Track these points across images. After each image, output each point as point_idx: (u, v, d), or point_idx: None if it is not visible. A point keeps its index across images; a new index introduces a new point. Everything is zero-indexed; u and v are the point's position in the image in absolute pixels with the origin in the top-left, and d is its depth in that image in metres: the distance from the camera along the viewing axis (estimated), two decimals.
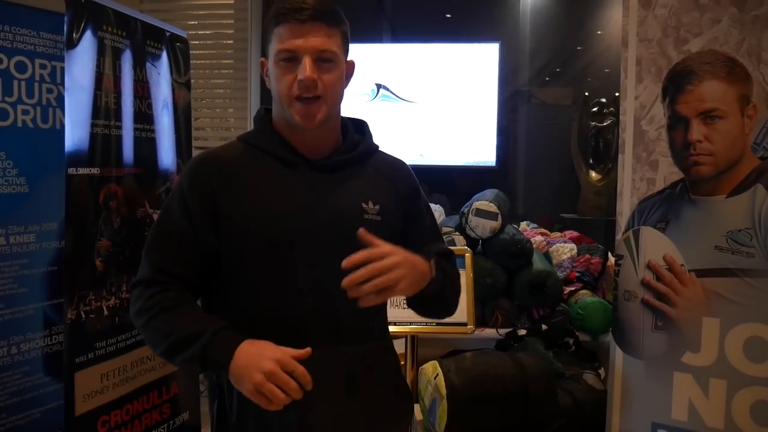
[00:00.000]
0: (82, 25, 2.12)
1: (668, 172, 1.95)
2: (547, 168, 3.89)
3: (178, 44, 2.68)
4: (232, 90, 3.92)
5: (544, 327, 2.72)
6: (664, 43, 1.93)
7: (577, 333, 2.74)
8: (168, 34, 2.61)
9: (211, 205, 1.30)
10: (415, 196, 1.49)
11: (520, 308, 2.78)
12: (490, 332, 2.72)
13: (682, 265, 1.91)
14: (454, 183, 3.86)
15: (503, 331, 2.70)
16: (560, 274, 2.91)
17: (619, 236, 2.05)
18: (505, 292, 2.77)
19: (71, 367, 2.15)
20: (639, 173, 1.99)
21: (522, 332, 2.70)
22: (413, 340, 2.21)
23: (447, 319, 2.19)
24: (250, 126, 3.88)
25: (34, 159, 2.29)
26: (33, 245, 2.33)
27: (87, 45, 2.13)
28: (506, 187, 3.87)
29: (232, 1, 3.81)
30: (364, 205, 1.35)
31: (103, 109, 2.23)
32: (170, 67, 2.61)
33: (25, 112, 2.28)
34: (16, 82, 2.24)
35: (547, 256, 3.01)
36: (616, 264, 2.06)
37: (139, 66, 2.42)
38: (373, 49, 3.81)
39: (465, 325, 2.18)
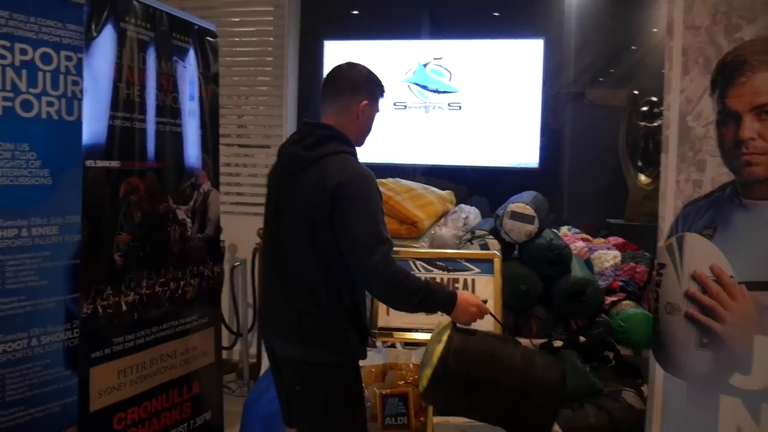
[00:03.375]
0: (104, 16, 2.09)
1: (717, 173, 1.77)
2: (593, 171, 3.69)
3: (207, 38, 2.64)
4: (271, 87, 3.90)
5: (582, 339, 2.56)
6: (713, 31, 1.75)
7: (618, 347, 2.56)
8: (196, 27, 2.57)
9: None
10: None
11: (557, 318, 2.62)
12: (524, 342, 2.57)
13: (731, 276, 1.73)
14: (494, 185, 3.70)
15: (538, 341, 2.55)
16: (602, 283, 2.73)
17: (661, 243, 1.89)
18: (541, 300, 2.62)
19: (86, 362, 2.12)
20: (684, 174, 1.82)
21: (558, 344, 2.55)
22: None
23: (473, 327, 2.08)
24: (286, 122, 3.87)
25: (58, 151, 2.28)
26: (55, 238, 2.32)
27: (108, 36, 2.10)
28: (549, 190, 3.69)
29: (272, 9, 3.79)
30: None
31: (125, 102, 2.20)
32: (198, 60, 2.57)
33: (50, 104, 2.27)
34: (41, 74, 2.23)
35: (588, 263, 2.84)
36: (658, 273, 1.90)
37: (164, 59, 2.38)
38: (412, 45, 3.71)
39: None
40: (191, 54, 2.54)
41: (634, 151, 3.44)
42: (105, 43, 2.09)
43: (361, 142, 2.07)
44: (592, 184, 3.71)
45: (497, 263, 2.13)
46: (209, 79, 2.64)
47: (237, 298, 3.73)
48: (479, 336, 1.91)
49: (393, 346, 2.63)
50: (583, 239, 3.00)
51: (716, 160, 1.77)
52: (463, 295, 1.88)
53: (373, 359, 2.54)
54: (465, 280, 2.12)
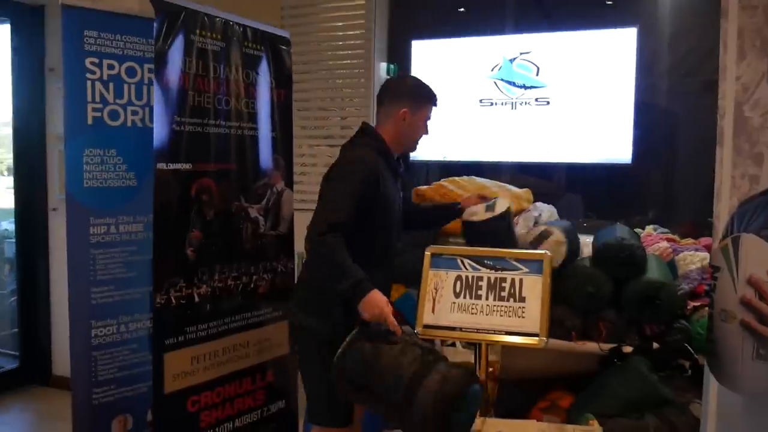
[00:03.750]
0: (175, 28, 2.27)
1: None
2: (694, 166, 3.40)
3: (280, 45, 2.78)
4: (363, 90, 3.99)
5: (655, 345, 2.39)
6: None
7: (697, 356, 2.36)
8: (269, 35, 2.72)
9: None
10: None
11: (629, 322, 2.47)
12: (592, 346, 2.46)
13: None
14: (584, 181, 3.54)
15: (606, 346, 2.42)
16: (686, 287, 2.53)
17: (715, 244, 1.73)
18: (611, 302, 2.48)
19: (160, 348, 2.33)
20: (740, 169, 1.66)
21: (627, 349, 2.40)
22: (481, 347, 2.07)
23: (517, 329, 2.03)
24: (373, 123, 3.93)
25: (142, 155, 2.52)
26: (141, 234, 2.57)
27: (178, 48, 2.29)
28: (642, 186, 3.48)
29: (363, 12, 3.87)
30: None
31: (197, 109, 2.38)
32: (270, 67, 2.71)
33: (134, 113, 2.52)
34: (126, 86, 2.48)
35: (671, 264, 2.64)
36: (712, 277, 1.74)
37: (236, 67, 2.54)
38: (498, 41, 3.64)
39: (536, 336, 1.98)
40: (264, 61, 2.69)
41: None
42: (175, 55, 2.28)
43: (403, 146, 2.30)
44: (694, 181, 3.43)
45: (546, 263, 2.05)
46: (281, 83, 2.77)
47: None
48: (378, 347, 1.94)
49: (453, 344, 2.62)
50: (668, 239, 2.79)
51: None
52: (375, 294, 1.96)
53: None
54: (512, 279, 2.07)
